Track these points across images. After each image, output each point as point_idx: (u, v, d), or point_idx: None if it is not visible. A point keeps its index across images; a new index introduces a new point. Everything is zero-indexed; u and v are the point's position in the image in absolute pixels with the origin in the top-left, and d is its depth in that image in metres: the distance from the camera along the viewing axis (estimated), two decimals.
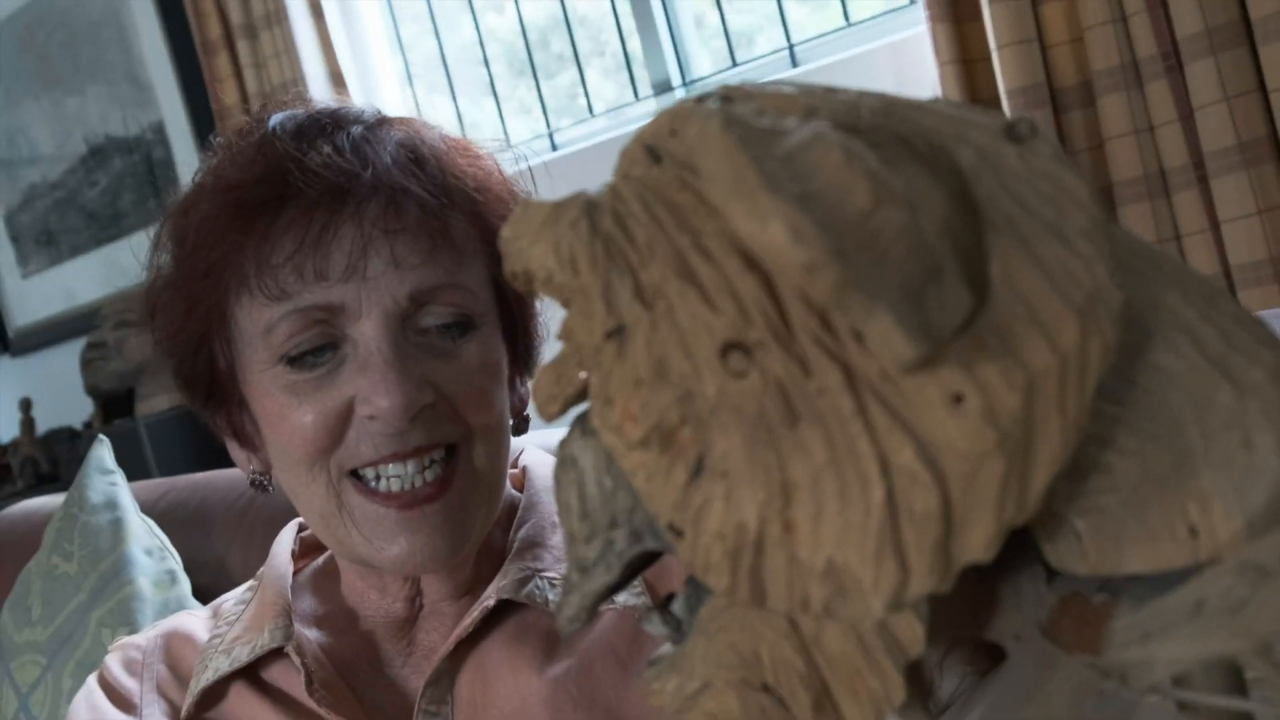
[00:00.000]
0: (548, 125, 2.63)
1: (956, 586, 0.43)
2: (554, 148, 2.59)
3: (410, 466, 0.70)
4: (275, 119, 0.73)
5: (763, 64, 2.27)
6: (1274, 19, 1.52)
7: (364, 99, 2.45)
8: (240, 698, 0.76)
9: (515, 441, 0.81)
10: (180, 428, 2.68)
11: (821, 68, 2.07)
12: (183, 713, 0.76)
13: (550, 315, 0.81)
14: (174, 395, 2.74)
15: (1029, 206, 0.33)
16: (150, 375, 2.73)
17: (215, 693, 0.76)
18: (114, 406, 2.82)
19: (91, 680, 0.82)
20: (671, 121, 0.35)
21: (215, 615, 0.83)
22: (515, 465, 0.85)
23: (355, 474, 0.71)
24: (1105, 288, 0.32)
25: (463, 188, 0.73)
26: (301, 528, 0.88)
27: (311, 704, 0.73)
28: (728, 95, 0.36)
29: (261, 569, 0.83)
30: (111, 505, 1.37)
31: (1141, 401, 0.35)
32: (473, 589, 0.77)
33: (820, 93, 0.36)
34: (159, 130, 3.14)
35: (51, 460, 3.09)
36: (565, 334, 0.38)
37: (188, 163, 3.05)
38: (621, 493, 0.39)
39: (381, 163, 0.70)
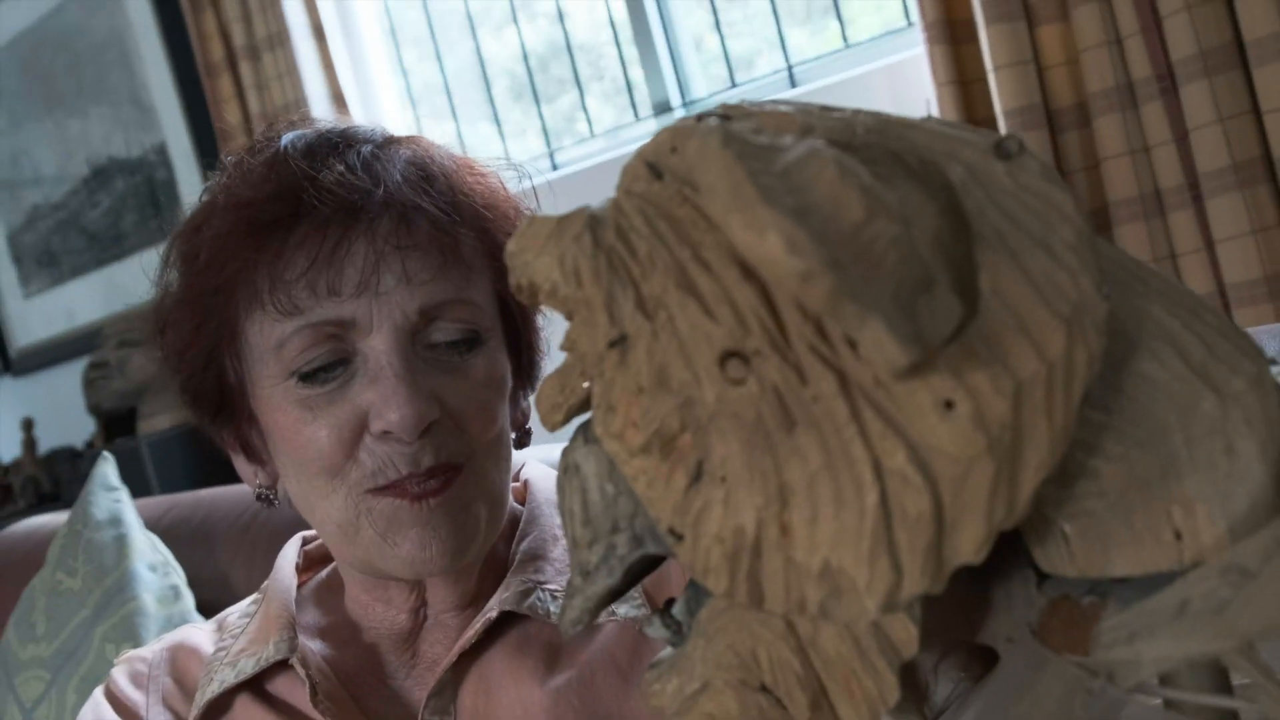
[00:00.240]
0: (548, 145, 2.65)
1: (949, 591, 0.44)
2: (554, 167, 2.61)
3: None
4: (286, 138, 0.74)
5: (762, 85, 2.29)
6: (1268, 42, 1.53)
7: (366, 120, 2.47)
8: (245, 710, 0.76)
9: (517, 456, 0.82)
10: (182, 447, 2.69)
11: (820, 89, 2.08)
12: None
13: (552, 331, 0.82)
14: (176, 414, 2.75)
15: (1017, 220, 0.34)
16: (152, 394, 2.74)
17: (220, 705, 0.77)
18: (116, 425, 2.83)
19: (98, 693, 0.82)
20: (672, 139, 0.37)
21: (220, 628, 0.84)
22: (517, 479, 0.86)
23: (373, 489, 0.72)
24: (1091, 299, 0.33)
25: (471, 204, 0.74)
26: (305, 541, 0.88)
27: (316, 715, 0.74)
28: (727, 114, 0.38)
29: (266, 582, 0.84)
30: (115, 521, 1.37)
31: (1127, 409, 0.36)
32: (475, 601, 0.78)
33: (816, 111, 0.37)
34: (161, 151, 3.16)
35: (53, 480, 3.09)
36: (569, 344, 0.39)
37: (190, 184, 3.07)
38: (623, 498, 0.40)
39: (392, 180, 0.72)
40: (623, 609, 0.74)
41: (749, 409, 0.34)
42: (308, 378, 0.71)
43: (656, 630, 0.43)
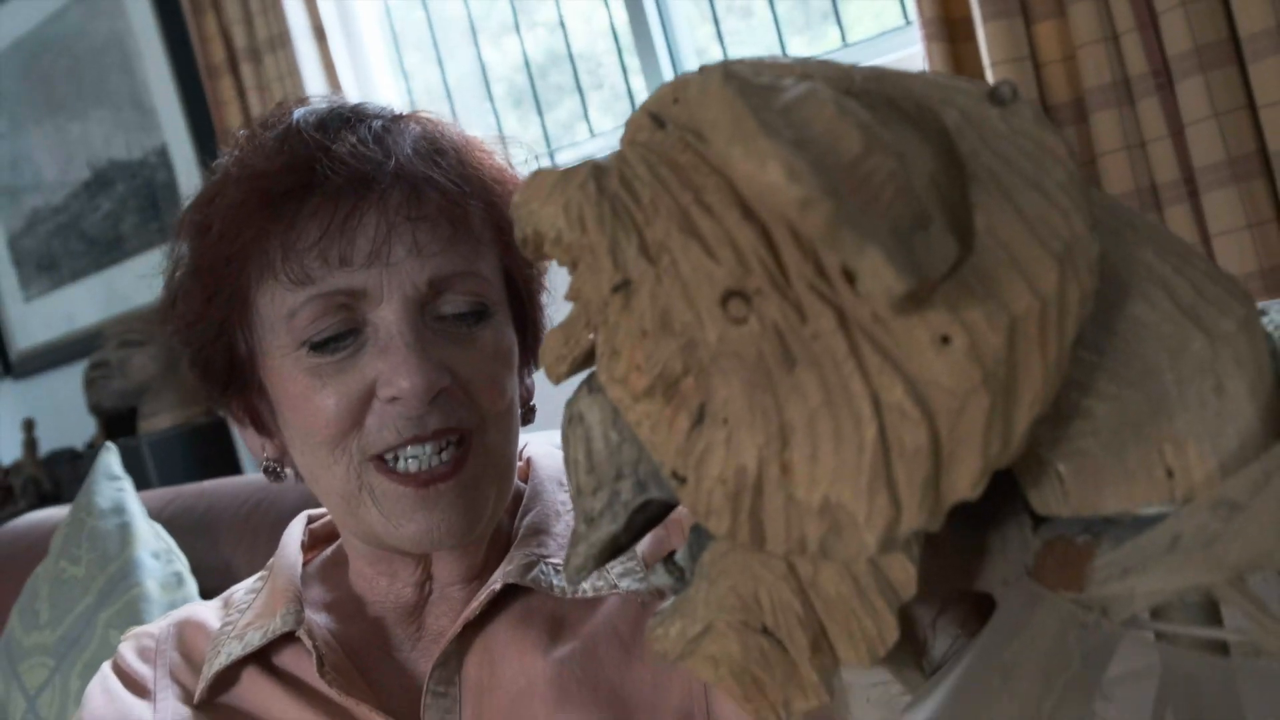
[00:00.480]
0: (549, 147, 2.66)
1: (946, 541, 0.45)
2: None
3: (428, 448, 0.72)
4: (298, 113, 0.76)
5: None
6: (1262, 37, 1.55)
7: None
8: (252, 682, 0.77)
9: (520, 435, 0.83)
10: (182, 446, 2.70)
11: None
12: (196, 697, 0.77)
13: (556, 310, 0.83)
14: (176, 414, 2.76)
15: (1010, 162, 0.35)
16: (153, 394, 2.75)
17: (228, 677, 0.78)
18: (116, 425, 2.84)
19: (105, 667, 0.83)
20: (674, 91, 0.38)
21: (226, 605, 0.85)
22: (520, 458, 0.87)
23: (376, 456, 0.73)
24: (1083, 237, 0.34)
25: (480, 177, 0.75)
26: (310, 520, 0.89)
27: (323, 686, 0.74)
28: (727, 64, 0.39)
29: (271, 559, 0.85)
30: (119, 510, 1.38)
31: (1119, 350, 0.37)
32: (480, 574, 0.79)
33: (815, 63, 0.38)
34: (162, 153, 3.17)
35: (54, 481, 3.10)
36: (573, 294, 0.40)
37: (191, 186, 3.06)
38: (627, 445, 0.41)
39: (403, 153, 0.73)
40: (625, 582, 0.75)
41: (750, 348, 0.35)
42: (318, 347, 0.72)
43: (660, 577, 0.44)
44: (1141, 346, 0.37)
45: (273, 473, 0.82)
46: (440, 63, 2.79)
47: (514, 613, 0.75)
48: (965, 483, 0.35)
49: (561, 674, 0.72)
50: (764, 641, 0.40)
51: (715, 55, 2.42)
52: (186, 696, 0.79)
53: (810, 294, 0.34)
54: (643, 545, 0.78)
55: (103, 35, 3.24)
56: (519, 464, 0.86)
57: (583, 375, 0.43)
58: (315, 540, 0.88)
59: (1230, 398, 0.36)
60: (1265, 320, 0.40)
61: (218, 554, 1.34)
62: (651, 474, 0.41)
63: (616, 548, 0.43)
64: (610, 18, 2.48)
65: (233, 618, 0.81)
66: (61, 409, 3.50)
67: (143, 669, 0.81)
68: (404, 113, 0.78)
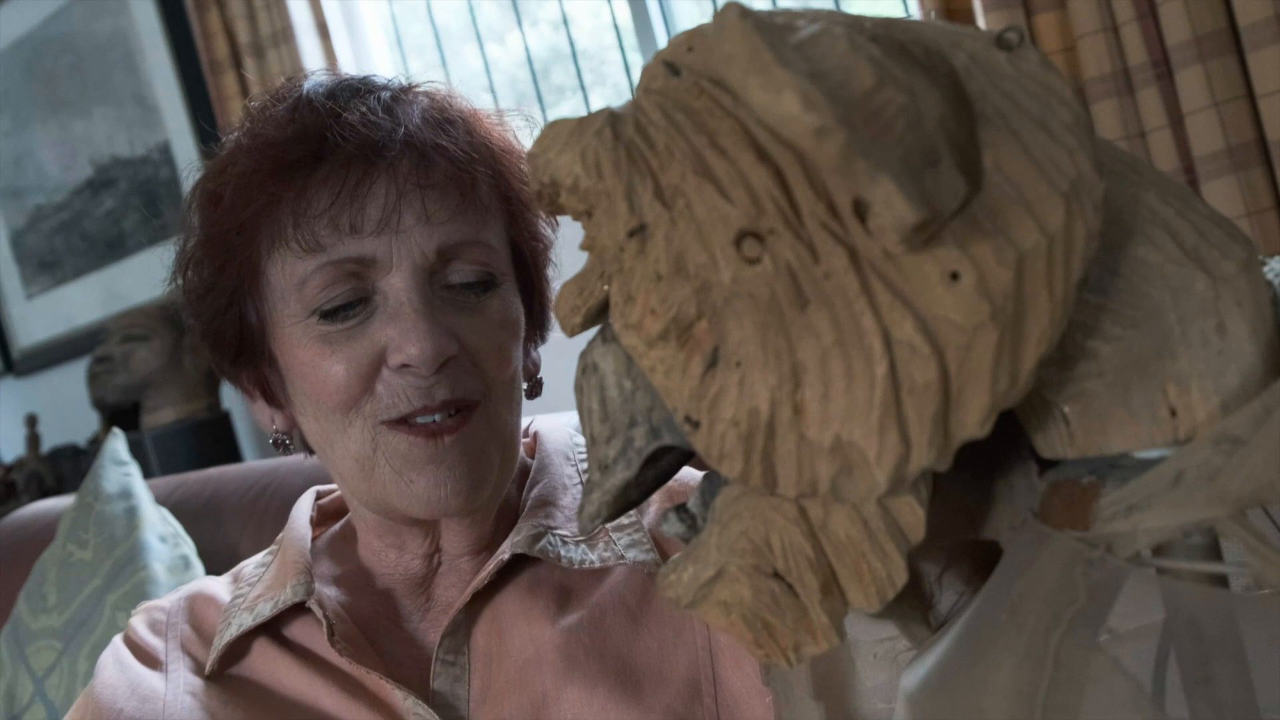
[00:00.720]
0: None
1: (954, 489, 0.46)
2: None
3: (437, 417, 0.73)
4: (308, 84, 0.76)
5: None
6: (1261, 27, 1.56)
7: None
8: (263, 652, 0.78)
9: (524, 414, 0.84)
10: (185, 440, 2.71)
11: None
12: (207, 668, 0.78)
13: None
14: (179, 408, 2.76)
15: (1018, 102, 0.35)
16: (155, 389, 2.75)
17: (239, 648, 0.79)
18: (119, 419, 2.85)
19: (117, 640, 0.84)
20: (689, 40, 0.38)
21: (236, 579, 0.85)
22: (526, 434, 0.88)
23: (388, 420, 0.74)
24: (1088, 175, 0.35)
25: (489, 147, 0.76)
26: (319, 496, 0.90)
27: (333, 657, 0.75)
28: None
29: (280, 534, 0.86)
30: (126, 494, 1.39)
31: (1123, 292, 0.38)
32: (489, 546, 0.79)
33: (825, 11, 0.39)
34: (165, 150, 3.18)
35: (56, 476, 3.11)
36: (588, 243, 0.41)
37: (193, 183, 3.07)
38: (640, 393, 0.42)
39: (413, 121, 0.74)
40: (632, 553, 0.76)
41: (763, 288, 0.36)
42: (328, 315, 0.73)
43: (672, 526, 0.45)
44: (1145, 288, 0.37)
45: (281, 445, 0.83)
46: (443, 61, 2.80)
47: (522, 583, 0.76)
48: (974, 419, 0.35)
49: (569, 642, 0.73)
50: (775, 585, 0.41)
51: None
52: (198, 668, 0.79)
53: (823, 233, 0.35)
54: (649, 518, 0.79)
55: (106, 32, 3.25)
56: (526, 440, 0.87)
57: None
58: (324, 516, 0.89)
59: (1232, 337, 0.37)
60: (1265, 269, 0.40)
61: (224, 538, 1.34)
62: (665, 420, 0.41)
63: (629, 499, 0.44)
64: (613, 13, 2.49)
65: (243, 590, 0.82)
66: (63, 406, 3.51)
67: (154, 641, 0.82)
68: (411, 85, 0.79)
